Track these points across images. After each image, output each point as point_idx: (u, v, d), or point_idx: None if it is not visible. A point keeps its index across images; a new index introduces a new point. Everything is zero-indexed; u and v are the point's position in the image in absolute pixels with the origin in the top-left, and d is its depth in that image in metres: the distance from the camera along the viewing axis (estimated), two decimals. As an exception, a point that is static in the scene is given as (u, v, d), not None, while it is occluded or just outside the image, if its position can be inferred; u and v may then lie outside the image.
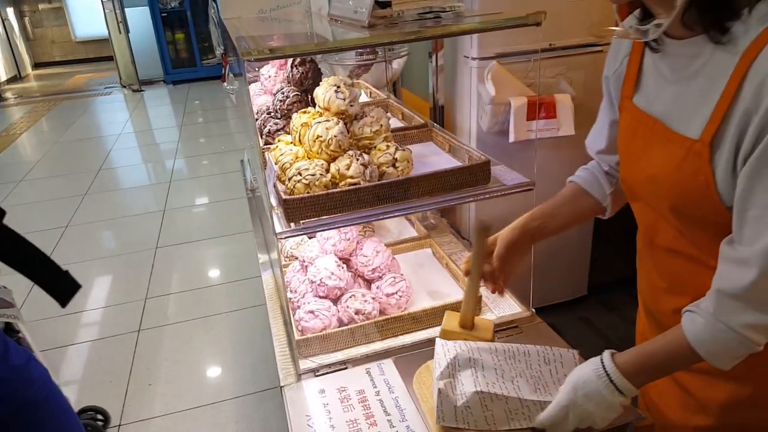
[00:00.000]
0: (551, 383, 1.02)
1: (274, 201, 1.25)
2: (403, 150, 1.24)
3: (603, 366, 0.86)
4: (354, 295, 1.36)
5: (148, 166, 5.25)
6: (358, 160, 1.18)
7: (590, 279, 2.47)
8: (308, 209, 1.17)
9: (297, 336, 1.30)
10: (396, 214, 1.19)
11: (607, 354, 0.88)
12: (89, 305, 2.96)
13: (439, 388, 1.00)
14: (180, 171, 4.92)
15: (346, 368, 1.26)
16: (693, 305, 0.83)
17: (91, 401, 2.21)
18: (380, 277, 1.42)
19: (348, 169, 1.17)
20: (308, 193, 1.17)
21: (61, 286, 0.71)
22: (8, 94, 8.50)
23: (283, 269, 1.57)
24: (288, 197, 1.16)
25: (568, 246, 2.31)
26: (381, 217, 1.19)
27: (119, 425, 2.12)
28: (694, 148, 0.78)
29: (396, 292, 1.38)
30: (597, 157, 1.11)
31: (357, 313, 1.34)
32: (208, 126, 6.30)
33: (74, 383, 2.37)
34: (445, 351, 1.10)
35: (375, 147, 1.25)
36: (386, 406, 1.13)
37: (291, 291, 1.46)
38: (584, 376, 0.88)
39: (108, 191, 4.56)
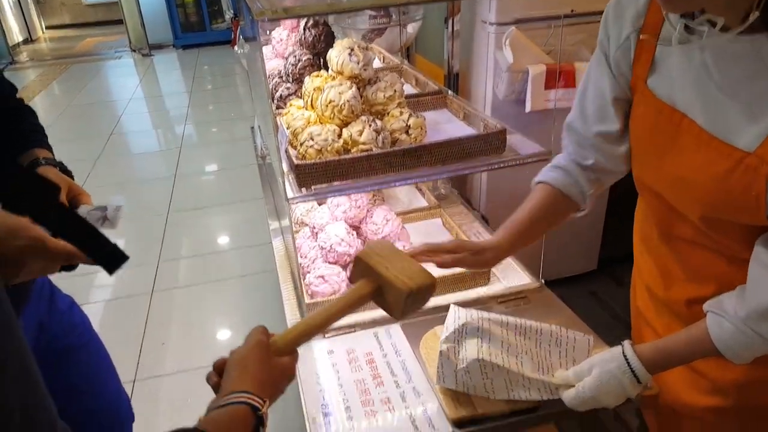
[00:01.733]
0: (557, 365, 1.02)
1: (285, 166, 1.25)
2: (417, 117, 1.23)
3: (626, 358, 0.85)
4: (363, 262, 1.37)
5: (158, 131, 5.26)
6: (370, 126, 1.17)
7: (601, 253, 2.45)
8: (320, 175, 1.17)
9: (307, 300, 1.32)
10: (408, 181, 1.19)
11: (628, 346, 0.87)
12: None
13: (441, 350, 1.03)
14: (190, 137, 4.92)
15: (354, 331, 1.28)
16: (718, 307, 0.80)
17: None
18: (390, 245, 1.43)
19: (360, 135, 1.17)
20: (320, 158, 1.17)
21: (110, 257, 0.74)
22: (21, 57, 8.48)
23: (294, 235, 1.58)
24: (300, 162, 1.16)
25: (580, 220, 2.30)
26: (393, 184, 1.19)
27: (134, 381, 2.18)
28: (747, 162, 0.71)
29: (405, 260, 1.39)
30: (596, 140, 0.94)
31: (366, 279, 1.35)
32: (218, 92, 6.26)
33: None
34: (455, 317, 1.11)
35: (388, 113, 1.24)
36: (393, 367, 1.16)
37: (301, 256, 1.48)
38: (607, 364, 0.87)
39: (119, 156, 4.58)
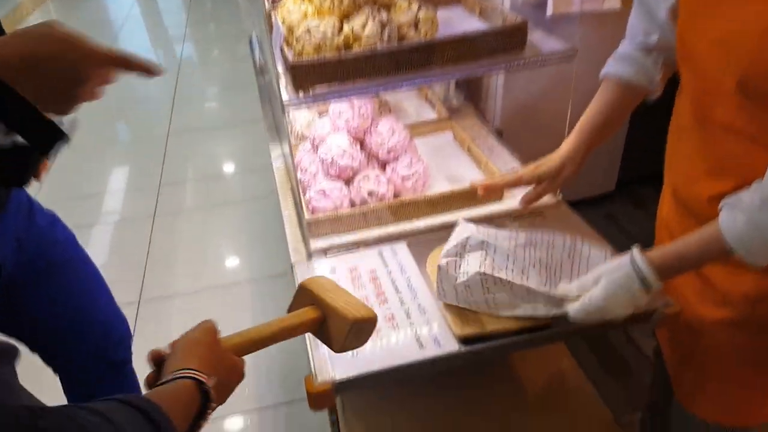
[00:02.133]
0: (566, 277, 0.95)
1: (280, 68, 1.13)
2: (428, 9, 1.09)
3: (634, 262, 0.81)
4: (367, 176, 1.28)
5: (157, 52, 5.04)
6: (375, 18, 1.04)
7: (620, 174, 2.35)
8: (318, 76, 1.05)
9: (307, 216, 1.24)
10: (417, 82, 1.07)
11: (636, 252, 0.82)
12: (103, 190, 2.95)
13: (439, 265, 0.97)
14: (189, 57, 4.71)
15: (357, 249, 1.21)
16: (734, 198, 0.75)
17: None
18: (396, 159, 1.33)
19: (363, 28, 1.04)
20: (318, 56, 1.05)
21: (43, 134, 0.64)
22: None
23: (294, 149, 1.48)
24: (296, 62, 1.04)
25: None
26: (399, 86, 1.07)
27: (138, 302, 2.18)
28: None
29: (412, 175, 1.29)
30: (664, 14, 0.89)
31: (370, 194, 1.27)
32: (217, 11, 5.95)
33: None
34: (460, 231, 1.04)
35: (395, 4, 1.10)
36: (398, 285, 1.09)
37: (301, 171, 1.38)
38: (614, 272, 0.83)
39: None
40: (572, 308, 0.87)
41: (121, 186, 3.00)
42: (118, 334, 1.22)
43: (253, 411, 1.74)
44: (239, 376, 0.68)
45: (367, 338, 0.80)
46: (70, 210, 2.72)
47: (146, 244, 2.51)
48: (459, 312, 1.00)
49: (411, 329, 1.00)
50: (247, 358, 0.71)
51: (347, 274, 1.14)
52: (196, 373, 0.59)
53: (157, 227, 2.63)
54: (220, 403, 0.63)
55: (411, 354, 0.95)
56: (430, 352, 0.95)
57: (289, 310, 0.79)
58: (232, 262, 2.41)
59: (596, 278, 0.85)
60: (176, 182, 2.97)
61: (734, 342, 0.95)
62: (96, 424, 0.46)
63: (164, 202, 2.80)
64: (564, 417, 1.23)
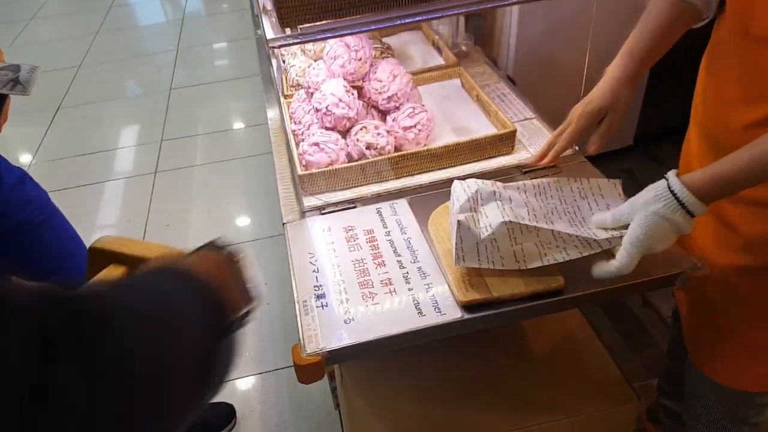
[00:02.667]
0: (590, 217, 0.86)
1: (269, 2, 1.02)
2: (429, -68, 0.95)
3: (673, 194, 0.72)
4: (365, 127, 1.17)
5: (162, 2, 4.86)
6: (368, -58, 0.91)
7: (638, 129, 2.21)
8: (306, 11, 0.94)
9: (300, 171, 1.14)
10: (419, 17, 0.95)
11: (673, 178, 0.73)
12: (105, 146, 2.88)
13: (458, 220, 0.84)
14: (194, 6, 4.53)
15: (354, 207, 1.12)
16: None
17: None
18: (397, 108, 1.21)
19: (355, -45, 0.91)
20: (305, -12, 0.93)
21: None
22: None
23: (287, 99, 1.37)
24: (280, -7, 0.92)
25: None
26: (398, 21, 0.95)
27: (138, 262, 2.13)
28: None
29: (414, 125, 1.18)
30: None
31: (368, 147, 1.16)
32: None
33: (91, 223, 2.36)
34: (464, 187, 0.94)
35: (392, -73, 0.97)
36: (397, 246, 1.00)
37: (295, 122, 1.28)
38: (651, 204, 0.75)
39: (119, 30, 4.27)
40: (614, 264, 0.77)
41: (122, 142, 2.92)
42: None
43: (254, 376, 1.70)
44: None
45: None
46: (67, 166, 2.67)
47: (147, 201, 2.45)
48: (463, 276, 0.91)
49: (410, 295, 0.91)
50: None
51: (343, 233, 1.05)
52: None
53: (158, 184, 2.56)
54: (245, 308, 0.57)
55: (409, 322, 0.86)
56: (431, 319, 0.87)
57: (87, 278, 0.67)
58: (234, 221, 2.35)
59: (632, 211, 0.77)
60: (177, 137, 2.88)
61: (754, 296, 0.90)
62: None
63: (165, 158, 2.72)
64: (574, 380, 1.16)
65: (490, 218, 0.85)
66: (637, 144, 2.25)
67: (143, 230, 2.28)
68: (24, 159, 2.81)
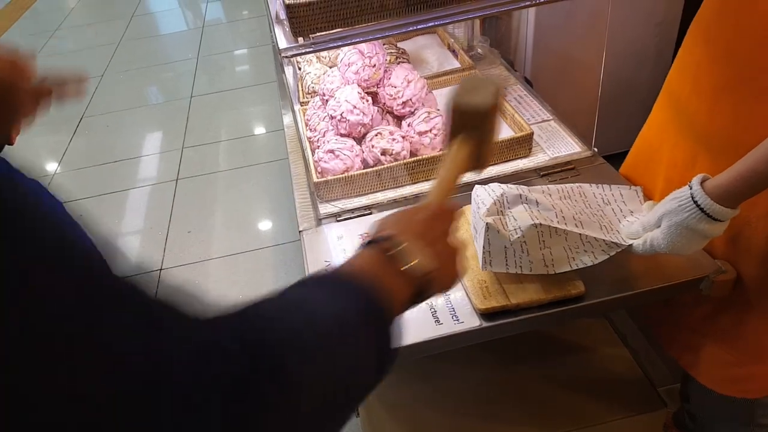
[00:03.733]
0: (616, 222, 0.85)
1: (281, 12, 1.02)
2: (440, -64, 0.94)
3: (695, 200, 0.71)
4: (380, 133, 1.17)
5: (184, 11, 4.94)
6: (379, -51, 0.90)
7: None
8: (318, 19, 0.93)
9: (316, 178, 1.15)
10: (430, 23, 0.94)
11: (697, 189, 0.71)
12: (127, 154, 2.93)
13: (487, 224, 0.82)
14: (214, 13, 4.59)
15: (370, 213, 1.11)
16: None
17: (133, 247, 2.25)
18: (412, 113, 1.21)
19: (366, -38, 0.91)
20: (317, -4, 0.93)
21: None
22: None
23: (303, 106, 1.38)
24: (292, 2, 0.92)
25: (643, 88, 1.97)
26: (411, 27, 0.94)
27: (160, 270, 2.16)
28: None
29: (430, 130, 1.17)
30: None
31: (384, 153, 1.16)
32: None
33: (113, 231, 2.41)
34: (489, 191, 0.92)
35: (403, -67, 0.96)
36: (413, 254, 0.99)
37: (311, 130, 1.28)
38: (675, 215, 0.74)
39: (141, 38, 4.35)
40: (637, 244, 0.80)
41: (144, 150, 2.97)
42: None
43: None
44: (446, 222, 0.57)
45: (489, 89, 0.64)
46: (91, 175, 2.73)
47: (169, 209, 2.48)
48: (480, 282, 0.89)
49: (427, 303, 0.90)
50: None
51: (359, 241, 1.05)
52: (378, 236, 0.49)
53: (179, 191, 2.59)
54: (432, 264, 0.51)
55: (426, 330, 0.86)
56: (448, 328, 0.86)
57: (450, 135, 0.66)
58: (255, 226, 2.36)
59: (658, 218, 0.77)
60: (199, 144, 2.92)
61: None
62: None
63: (186, 166, 2.76)
64: (599, 386, 1.14)
65: (519, 221, 0.84)
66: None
67: (165, 238, 2.32)
68: (49, 167, 2.88)
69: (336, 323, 0.40)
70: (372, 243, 0.50)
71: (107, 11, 4.98)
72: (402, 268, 0.48)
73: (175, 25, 4.67)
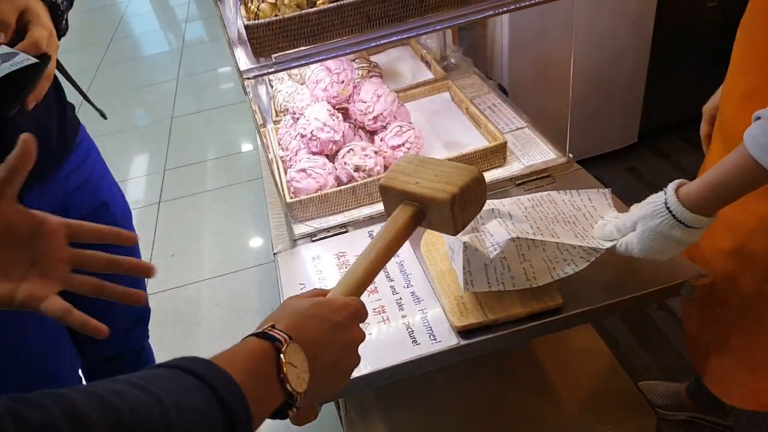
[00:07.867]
0: (589, 228, 0.83)
1: (242, 32, 1.00)
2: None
3: (668, 207, 0.70)
4: (352, 150, 1.15)
5: (164, 31, 4.93)
6: (336, -35, 0.89)
7: (642, 125, 2.15)
8: (279, 38, 0.92)
9: (289, 198, 1.13)
10: (396, 37, 0.92)
11: (671, 195, 0.70)
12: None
13: (464, 243, 0.79)
14: (194, 33, 4.59)
15: (346, 231, 1.09)
16: (765, 110, 0.64)
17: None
18: (384, 127, 1.19)
19: (324, -22, 0.89)
20: (276, 15, 0.91)
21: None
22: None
23: (276, 125, 1.36)
24: (251, 22, 0.90)
25: (620, 88, 1.97)
26: (374, 43, 0.92)
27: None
28: None
29: (403, 144, 1.16)
30: None
31: (357, 170, 1.14)
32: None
33: (100, 256, 2.37)
34: None
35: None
36: (389, 270, 0.97)
37: (283, 149, 1.26)
38: (650, 220, 0.73)
39: (120, 62, 4.34)
40: (619, 247, 0.78)
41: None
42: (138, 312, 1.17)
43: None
44: (353, 317, 0.53)
45: (483, 198, 0.67)
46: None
47: (152, 232, 2.45)
48: (457, 298, 0.87)
49: (403, 322, 0.88)
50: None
51: (334, 260, 1.03)
52: (271, 330, 0.47)
53: (162, 214, 2.56)
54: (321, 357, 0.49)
55: (403, 352, 0.83)
56: (426, 348, 0.83)
57: (387, 214, 0.67)
58: (239, 247, 2.33)
59: (633, 223, 0.75)
60: (180, 165, 2.89)
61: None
62: (136, 399, 0.37)
63: (169, 187, 2.73)
64: (588, 397, 1.11)
65: (496, 236, 0.81)
66: (642, 140, 2.19)
67: (148, 261, 2.28)
68: (31, 198, 2.84)
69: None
70: (261, 335, 0.47)
71: (85, 38, 4.95)
72: (280, 375, 0.45)
73: (157, 46, 4.65)
